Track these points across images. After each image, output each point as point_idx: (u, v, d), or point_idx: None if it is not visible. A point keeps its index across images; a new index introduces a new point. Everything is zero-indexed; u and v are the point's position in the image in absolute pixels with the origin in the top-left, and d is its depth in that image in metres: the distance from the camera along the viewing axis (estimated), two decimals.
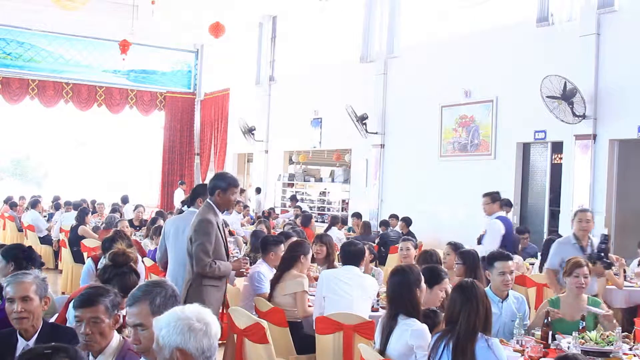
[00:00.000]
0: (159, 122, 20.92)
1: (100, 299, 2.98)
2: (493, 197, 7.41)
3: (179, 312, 2.28)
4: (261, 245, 6.01)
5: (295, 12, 16.39)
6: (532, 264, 7.96)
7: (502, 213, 7.70)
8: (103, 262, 5.15)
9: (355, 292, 4.91)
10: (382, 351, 3.77)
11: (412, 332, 3.65)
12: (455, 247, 5.84)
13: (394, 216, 11.61)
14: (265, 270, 5.66)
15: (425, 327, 3.71)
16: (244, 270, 5.26)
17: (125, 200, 15.37)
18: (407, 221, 11.17)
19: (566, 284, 4.71)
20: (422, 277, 3.91)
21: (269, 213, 14.31)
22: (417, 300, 3.79)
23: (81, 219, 10.15)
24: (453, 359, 3.34)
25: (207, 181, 20.78)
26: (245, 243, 9.26)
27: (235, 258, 6.07)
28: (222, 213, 4.88)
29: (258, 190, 17.37)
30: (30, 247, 4.60)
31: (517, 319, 4.31)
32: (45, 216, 13.32)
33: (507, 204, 9.59)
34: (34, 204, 12.97)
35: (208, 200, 4.77)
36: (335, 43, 14.91)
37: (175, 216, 6.86)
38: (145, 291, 2.69)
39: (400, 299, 3.78)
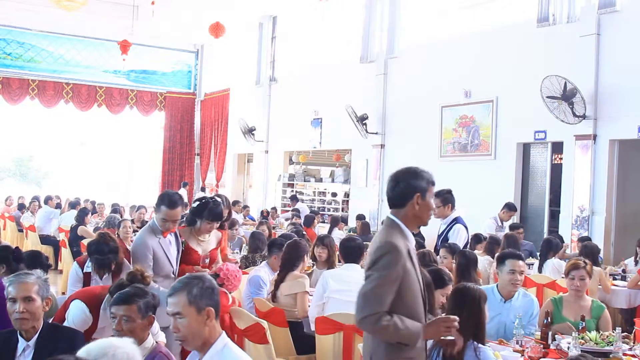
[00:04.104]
0: (159, 122, 20.91)
1: (136, 299, 3.19)
2: (444, 199, 6.50)
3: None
4: (268, 246, 6.03)
5: (295, 12, 16.39)
6: (532, 264, 7.93)
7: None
8: (89, 265, 5.00)
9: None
10: None
11: None
12: (451, 249, 5.83)
13: None
14: (264, 275, 5.64)
15: None
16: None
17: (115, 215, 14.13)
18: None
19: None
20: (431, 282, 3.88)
21: (268, 213, 14.30)
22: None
23: (81, 219, 10.18)
24: None
25: (207, 181, 20.77)
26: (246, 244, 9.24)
27: (236, 260, 6.06)
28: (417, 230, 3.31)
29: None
30: (17, 248, 4.58)
31: (517, 319, 4.30)
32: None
33: (511, 208, 9.56)
34: (74, 204, 12.99)
35: (391, 216, 2.98)
36: (335, 43, 14.92)
37: None
38: (184, 283, 2.79)
39: None
